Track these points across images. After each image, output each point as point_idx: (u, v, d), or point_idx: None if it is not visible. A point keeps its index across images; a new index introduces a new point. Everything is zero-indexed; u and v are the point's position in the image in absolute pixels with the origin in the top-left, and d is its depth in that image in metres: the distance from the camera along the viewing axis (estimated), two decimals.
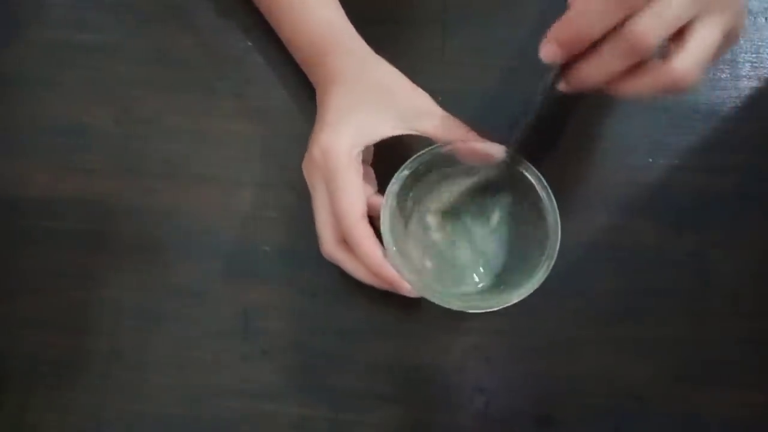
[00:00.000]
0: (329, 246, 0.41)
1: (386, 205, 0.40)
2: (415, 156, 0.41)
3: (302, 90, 0.49)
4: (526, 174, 0.40)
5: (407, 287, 0.40)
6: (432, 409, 0.44)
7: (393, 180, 0.40)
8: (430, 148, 0.41)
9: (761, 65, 0.49)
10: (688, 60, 0.32)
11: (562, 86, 0.35)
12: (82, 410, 0.44)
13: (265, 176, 0.48)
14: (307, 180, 0.42)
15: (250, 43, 0.51)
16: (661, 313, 0.45)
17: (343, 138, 0.40)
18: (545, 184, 0.40)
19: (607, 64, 0.32)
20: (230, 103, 0.50)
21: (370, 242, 0.40)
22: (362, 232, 0.40)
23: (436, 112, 0.42)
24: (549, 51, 0.33)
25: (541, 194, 0.40)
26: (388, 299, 0.45)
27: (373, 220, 0.41)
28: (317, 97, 0.45)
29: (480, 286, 0.43)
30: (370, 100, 0.42)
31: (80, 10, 0.52)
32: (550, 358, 0.44)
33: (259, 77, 0.50)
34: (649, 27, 0.30)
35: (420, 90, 0.43)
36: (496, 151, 0.40)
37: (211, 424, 0.44)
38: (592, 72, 0.33)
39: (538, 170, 0.40)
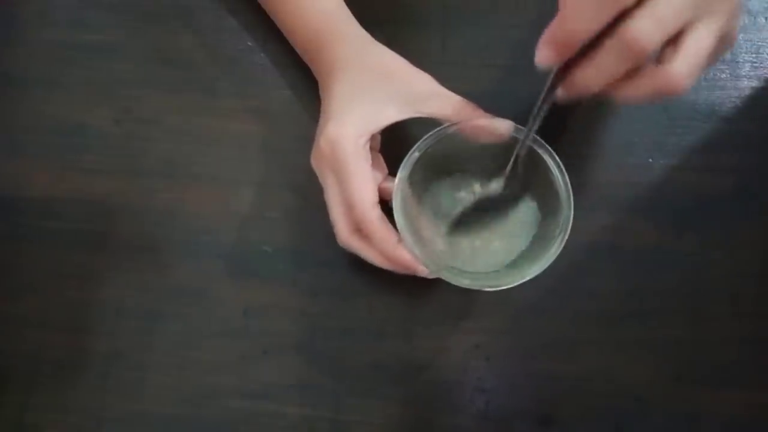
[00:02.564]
0: (345, 235, 0.41)
1: (397, 188, 0.40)
2: (424, 138, 0.40)
3: (302, 90, 0.49)
4: (537, 150, 0.40)
5: (424, 269, 0.40)
6: (432, 409, 0.44)
7: (403, 163, 0.40)
8: (438, 129, 0.40)
9: (761, 65, 0.49)
10: (684, 64, 0.32)
11: (560, 95, 0.34)
12: (82, 410, 0.44)
13: (265, 176, 0.48)
14: (316, 172, 0.42)
15: (250, 43, 0.51)
16: (661, 313, 0.45)
17: (349, 127, 0.40)
18: (557, 159, 0.39)
19: (604, 68, 0.32)
20: (230, 103, 0.50)
21: (384, 228, 0.40)
22: (375, 219, 0.40)
23: (440, 93, 0.42)
24: (543, 55, 0.32)
25: (553, 169, 0.39)
26: (388, 299, 0.45)
27: (386, 204, 0.41)
28: (320, 89, 0.45)
29: (494, 264, 0.43)
30: (373, 86, 0.42)
31: (80, 10, 0.52)
32: (551, 358, 0.44)
33: (259, 77, 0.50)
34: (647, 30, 0.30)
35: (422, 72, 0.43)
36: (504, 127, 0.40)
37: (211, 424, 0.44)
38: (590, 78, 0.33)
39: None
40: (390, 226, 0.40)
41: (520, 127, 0.40)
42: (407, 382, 0.44)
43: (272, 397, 0.44)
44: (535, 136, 0.39)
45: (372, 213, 0.40)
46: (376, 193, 0.40)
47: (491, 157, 0.42)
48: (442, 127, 0.41)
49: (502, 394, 0.44)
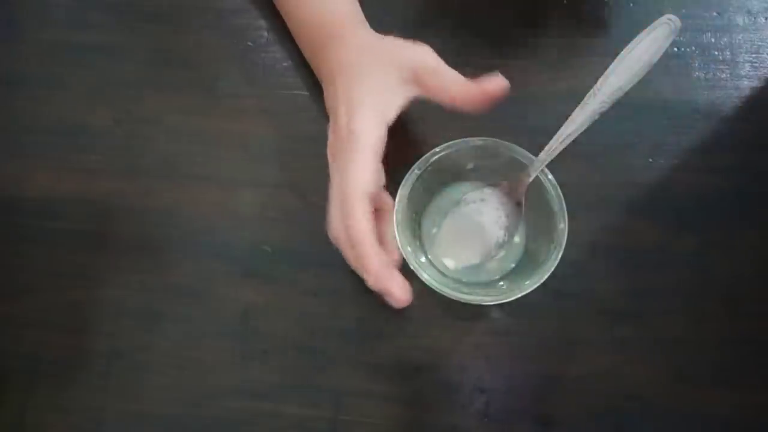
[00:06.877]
0: (336, 227, 0.40)
1: (398, 207, 0.41)
2: (424, 157, 0.41)
3: (303, 90, 0.49)
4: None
5: (397, 293, 0.38)
6: (432, 409, 0.44)
7: (403, 182, 0.41)
8: (437, 149, 0.42)
9: (761, 65, 0.49)
10: None
11: None
12: (82, 410, 0.44)
13: (265, 176, 0.48)
14: (330, 162, 0.41)
15: (250, 43, 0.51)
16: (661, 313, 0.45)
17: (369, 118, 0.40)
18: (551, 177, 0.40)
19: None
20: (230, 103, 0.50)
21: (365, 225, 0.38)
22: (362, 210, 0.38)
23: (438, 69, 0.41)
24: None
25: (547, 186, 0.40)
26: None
27: (381, 214, 0.41)
28: (327, 82, 0.44)
29: (490, 279, 0.44)
30: (379, 69, 0.41)
31: (81, 10, 0.52)
32: (550, 358, 0.44)
33: (260, 77, 0.50)
34: None
35: (420, 43, 0.42)
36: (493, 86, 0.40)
37: (211, 424, 0.44)
38: None
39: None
40: (373, 227, 0.38)
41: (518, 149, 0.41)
42: (407, 382, 0.44)
43: (272, 397, 0.44)
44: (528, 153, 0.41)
45: (362, 202, 0.38)
46: (374, 189, 0.39)
47: (489, 174, 0.43)
48: (441, 146, 0.42)
49: (501, 394, 0.44)
